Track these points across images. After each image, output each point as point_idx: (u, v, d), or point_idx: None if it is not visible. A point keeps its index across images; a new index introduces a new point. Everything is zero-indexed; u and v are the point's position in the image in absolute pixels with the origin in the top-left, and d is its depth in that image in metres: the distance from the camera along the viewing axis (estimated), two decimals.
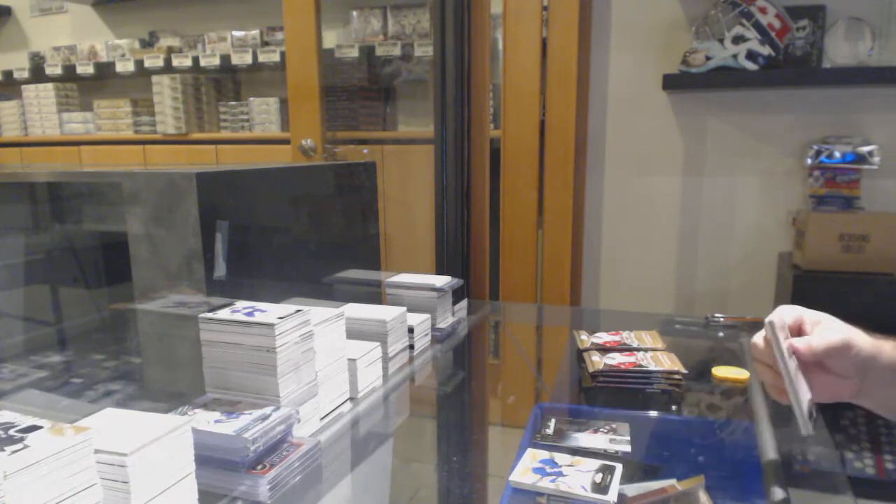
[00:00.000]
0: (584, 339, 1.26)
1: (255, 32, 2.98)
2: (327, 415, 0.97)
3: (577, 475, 0.79)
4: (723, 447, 0.96)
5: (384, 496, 0.89)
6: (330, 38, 2.82)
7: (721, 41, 1.96)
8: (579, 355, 1.21)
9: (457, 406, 1.22)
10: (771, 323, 0.70)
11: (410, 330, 1.25)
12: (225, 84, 3.17)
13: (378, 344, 1.11)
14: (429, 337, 1.34)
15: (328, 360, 0.96)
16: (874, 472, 1.74)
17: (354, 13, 2.74)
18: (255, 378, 0.85)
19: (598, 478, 0.79)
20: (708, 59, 1.96)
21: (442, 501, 0.85)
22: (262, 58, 2.91)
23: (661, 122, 2.22)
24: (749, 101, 2.13)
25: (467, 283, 1.86)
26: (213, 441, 0.76)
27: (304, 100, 2.46)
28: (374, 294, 1.47)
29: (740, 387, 1.13)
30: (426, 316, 1.32)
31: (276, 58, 2.88)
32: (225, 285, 1.01)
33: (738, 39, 1.94)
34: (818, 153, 1.99)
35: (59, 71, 3.32)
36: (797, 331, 0.76)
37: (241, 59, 2.92)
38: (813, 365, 0.73)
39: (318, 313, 0.94)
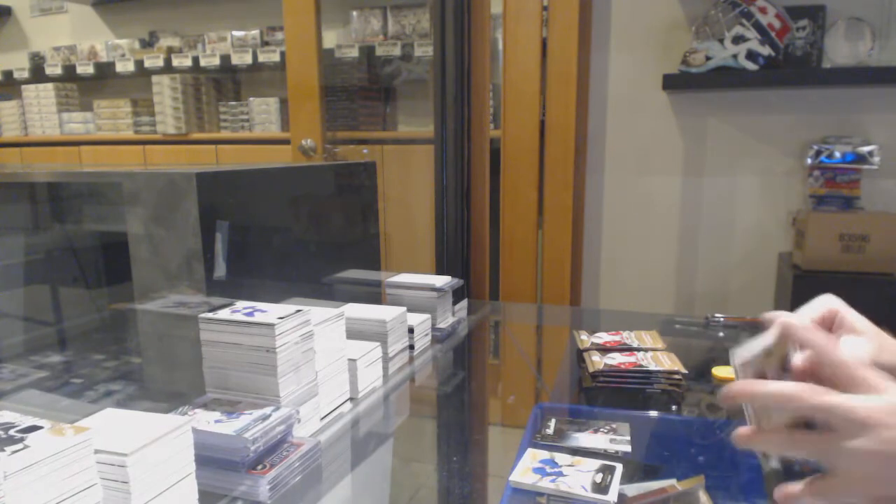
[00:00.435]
0: (584, 339, 1.26)
1: (255, 32, 2.98)
2: (327, 415, 0.96)
3: (578, 475, 0.79)
4: (723, 447, 0.96)
5: (384, 496, 0.89)
6: (330, 38, 2.81)
7: (721, 41, 1.96)
8: (579, 355, 1.21)
9: (457, 406, 1.22)
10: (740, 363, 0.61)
11: (410, 330, 1.25)
12: (225, 84, 3.17)
13: (378, 344, 1.11)
14: (429, 337, 1.34)
15: (328, 360, 0.96)
16: None
17: (354, 13, 2.74)
18: (255, 378, 0.85)
19: (599, 478, 0.79)
20: (708, 59, 1.96)
21: (442, 501, 0.85)
22: (262, 58, 2.91)
23: (661, 122, 2.22)
24: (749, 101, 2.13)
25: (467, 283, 1.86)
26: (213, 441, 0.76)
27: (304, 100, 2.46)
28: (374, 294, 1.47)
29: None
30: (426, 316, 1.32)
31: (276, 58, 2.88)
32: (225, 285, 1.01)
33: (738, 39, 1.94)
34: (818, 153, 1.99)
35: (59, 71, 3.32)
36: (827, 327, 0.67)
37: (241, 59, 2.92)
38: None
39: (318, 313, 0.94)
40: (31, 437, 0.57)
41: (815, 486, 0.54)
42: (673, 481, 0.80)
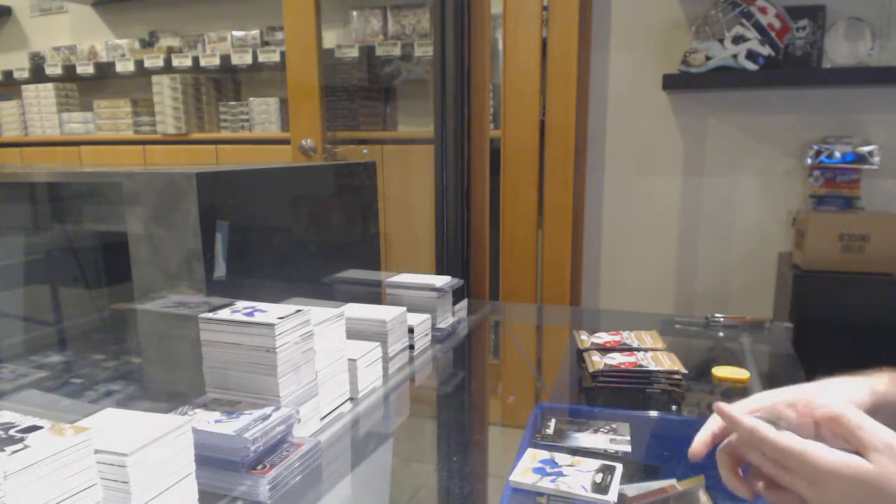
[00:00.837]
0: (584, 339, 1.26)
1: (255, 32, 2.98)
2: (327, 415, 0.97)
3: (578, 475, 0.79)
4: None
5: (384, 496, 0.89)
6: (330, 38, 2.81)
7: (721, 41, 1.96)
8: (579, 355, 1.21)
9: (457, 406, 1.22)
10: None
11: (410, 330, 1.25)
12: (225, 84, 3.17)
13: (378, 344, 1.11)
14: (429, 337, 1.34)
15: (328, 360, 0.96)
16: None
17: (354, 13, 2.74)
18: (255, 378, 0.85)
19: (599, 478, 0.79)
20: (708, 59, 1.96)
21: (442, 501, 0.85)
22: (262, 58, 2.91)
23: (661, 122, 2.22)
24: (749, 101, 2.13)
25: (467, 283, 1.86)
26: (213, 441, 0.76)
27: (304, 100, 2.46)
28: (374, 294, 1.47)
29: (740, 387, 1.13)
30: (426, 316, 1.32)
31: (276, 58, 2.88)
32: (225, 285, 1.01)
33: (738, 39, 1.93)
34: (818, 153, 1.99)
35: (59, 71, 3.32)
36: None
37: (241, 59, 2.92)
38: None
39: (318, 313, 0.94)
40: (31, 437, 0.57)
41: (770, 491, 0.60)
42: (673, 481, 0.80)
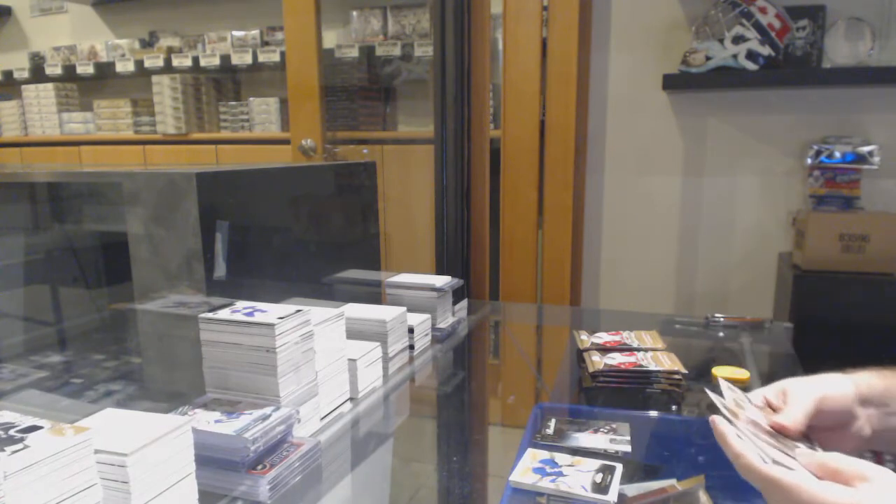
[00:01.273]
0: (584, 339, 1.26)
1: (255, 32, 2.98)
2: (327, 415, 0.96)
3: (578, 475, 0.79)
4: None
5: (384, 496, 0.89)
6: (330, 38, 2.81)
7: (721, 41, 1.96)
8: (579, 355, 1.21)
9: (457, 406, 1.22)
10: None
11: (410, 330, 1.25)
12: (225, 84, 3.17)
13: (378, 344, 1.11)
14: (429, 337, 1.34)
15: (328, 360, 0.96)
16: None
17: (354, 13, 2.74)
18: (255, 378, 0.85)
19: (599, 478, 0.79)
20: (708, 59, 1.96)
21: (442, 501, 0.85)
22: (262, 58, 2.91)
23: (661, 122, 2.22)
24: (749, 101, 2.13)
25: (467, 283, 1.86)
26: (213, 441, 0.76)
27: (304, 100, 2.46)
28: (374, 294, 1.47)
29: (740, 387, 1.13)
30: (426, 316, 1.32)
31: (276, 58, 2.88)
32: (225, 285, 1.01)
33: (738, 39, 1.93)
34: (818, 153, 1.99)
35: (59, 71, 3.32)
36: (771, 408, 0.72)
37: (241, 59, 2.92)
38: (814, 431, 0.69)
39: (318, 313, 0.94)
40: (31, 437, 0.57)
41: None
42: (673, 481, 0.80)
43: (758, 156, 2.14)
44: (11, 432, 0.58)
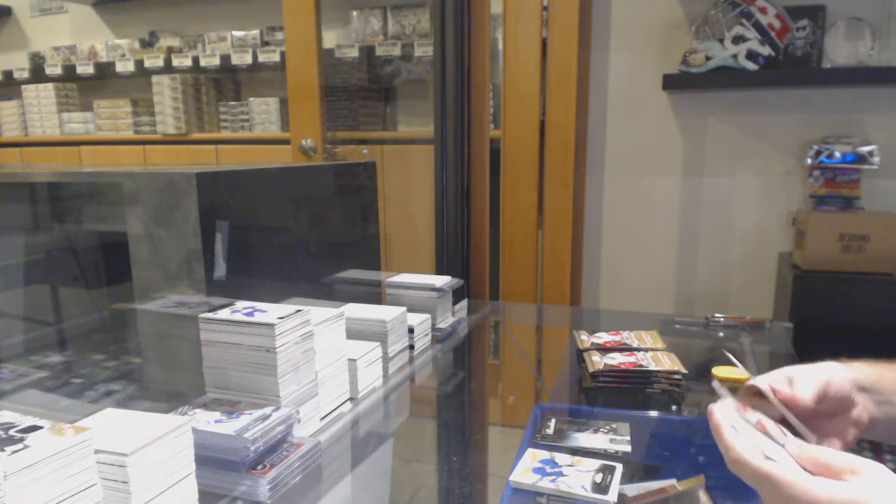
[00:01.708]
0: (584, 339, 1.26)
1: (255, 32, 2.98)
2: (327, 415, 0.96)
3: (578, 475, 0.79)
4: None
5: (384, 496, 0.89)
6: (330, 38, 2.82)
7: (721, 41, 1.96)
8: (579, 355, 1.21)
9: (457, 406, 1.22)
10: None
11: (410, 330, 1.25)
12: (225, 84, 3.17)
13: (378, 344, 1.11)
14: (429, 337, 1.34)
15: (328, 360, 0.96)
16: None
17: (354, 13, 2.74)
18: (255, 378, 0.85)
19: (598, 478, 0.79)
20: (708, 59, 1.96)
21: (442, 501, 0.85)
22: (262, 58, 2.91)
23: (661, 122, 2.22)
24: (749, 101, 2.13)
25: (467, 283, 1.86)
26: (213, 441, 0.76)
27: (304, 100, 2.46)
28: (374, 294, 1.47)
29: (740, 387, 1.13)
30: (426, 316, 1.32)
31: (276, 58, 2.88)
32: (225, 285, 1.01)
33: (738, 39, 1.93)
34: (818, 153, 1.99)
35: (59, 71, 3.32)
36: (776, 393, 0.73)
37: (241, 59, 2.92)
38: (812, 418, 0.70)
39: (318, 313, 0.94)
40: (31, 437, 0.57)
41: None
42: (673, 481, 0.80)
43: (758, 156, 2.14)
44: (11, 432, 0.58)
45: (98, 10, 3.42)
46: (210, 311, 0.88)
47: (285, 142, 2.60)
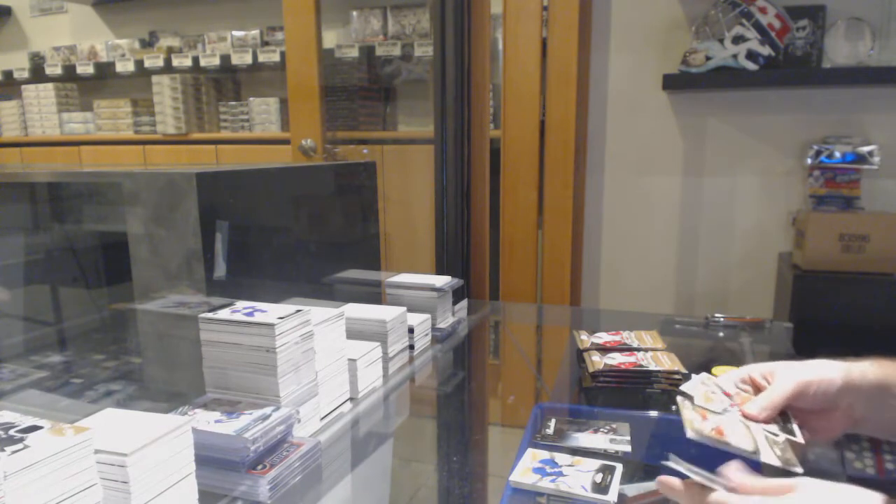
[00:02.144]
0: (584, 339, 1.26)
1: (255, 32, 2.98)
2: (327, 415, 0.96)
3: (578, 475, 0.79)
4: None
5: (384, 496, 0.89)
6: (330, 38, 2.82)
7: (721, 41, 1.96)
8: (579, 355, 1.21)
9: (457, 406, 1.22)
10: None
11: (410, 330, 1.25)
12: (225, 84, 3.17)
13: (378, 344, 1.11)
14: (429, 337, 1.34)
15: (328, 360, 0.96)
16: (874, 472, 1.74)
17: (354, 13, 2.74)
18: (255, 378, 0.85)
19: (599, 478, 0.79)
20: (708, 59, 1.96)
21: (442, 501, 0.85)
22: (262, 58, 2.91)
23: (661, 122, 2.22)
24: (749, 101, 2.13)
25: (467, 283, 1.86)
26: (213, 441, 0.76)
27: (304, 100, 2.46)
28: (374, 294, 1.47)
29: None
30: (426, 316, 1.32)
31: (276, 58, 2.88)
32: (225, 285, 1.01)
33: (738, 39, 1.94)
34: (818, 153, 1.99)
35: (59, 71, 3.32)
36: (756, 387, 0.77)
37: (241, 59, 2.92)
38: (798, 412, 0.73)
39: (318, 313, 0.94)
40: (31, 437, 0.57)
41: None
42: None
43: (758, 156, 2.14)
44: (11, 432, 0.58)
45: (98, 10, 3.42)
46: (210, 311, 0.88)
47: (285, 142, 2.60)
